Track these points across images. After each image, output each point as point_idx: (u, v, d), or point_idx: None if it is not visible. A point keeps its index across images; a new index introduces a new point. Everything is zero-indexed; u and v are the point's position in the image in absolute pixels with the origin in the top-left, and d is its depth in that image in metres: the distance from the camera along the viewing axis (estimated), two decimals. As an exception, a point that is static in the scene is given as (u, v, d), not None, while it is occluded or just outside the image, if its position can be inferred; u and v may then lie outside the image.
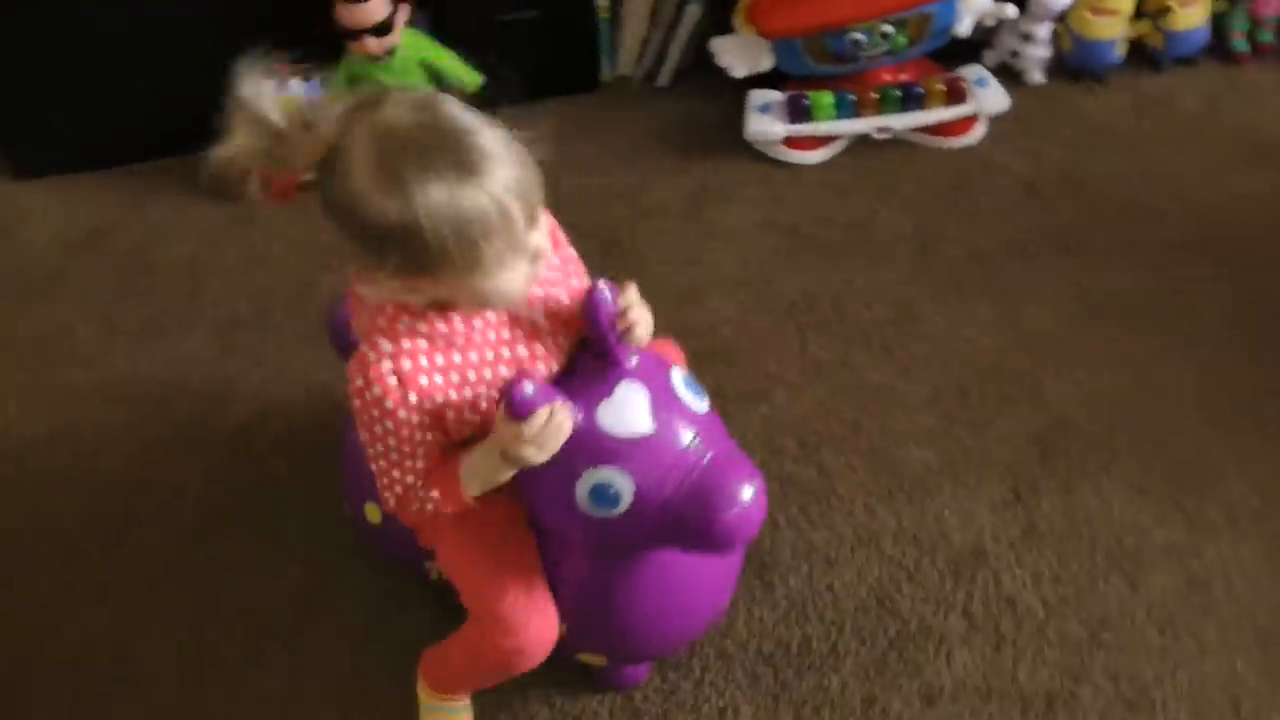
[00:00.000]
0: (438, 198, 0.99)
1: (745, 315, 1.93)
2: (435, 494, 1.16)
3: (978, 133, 2.13)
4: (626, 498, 1.10)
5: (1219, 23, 2.24)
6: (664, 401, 1.12)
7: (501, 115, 1.09)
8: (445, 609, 1.43)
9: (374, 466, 1.17)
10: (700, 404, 1.16)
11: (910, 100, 2.06)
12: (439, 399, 1.11)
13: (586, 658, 1.38)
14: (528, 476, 1.13)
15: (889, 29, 2.00)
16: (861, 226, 2.04)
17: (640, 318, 1.14)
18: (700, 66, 2.27)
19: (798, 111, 2.05)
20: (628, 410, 1.10)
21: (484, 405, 1.14)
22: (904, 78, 2.09)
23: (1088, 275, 1.97)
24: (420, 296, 1.09)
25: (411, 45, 1.95)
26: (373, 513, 1.41)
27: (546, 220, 1.12)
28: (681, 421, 1.13)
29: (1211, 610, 1.61)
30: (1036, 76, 2.22)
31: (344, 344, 1.41)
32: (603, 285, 1.10)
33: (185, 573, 1.64)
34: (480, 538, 1.26)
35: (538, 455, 1.07)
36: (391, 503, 1.19)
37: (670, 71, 2.27)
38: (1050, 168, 2.12)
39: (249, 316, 1.94)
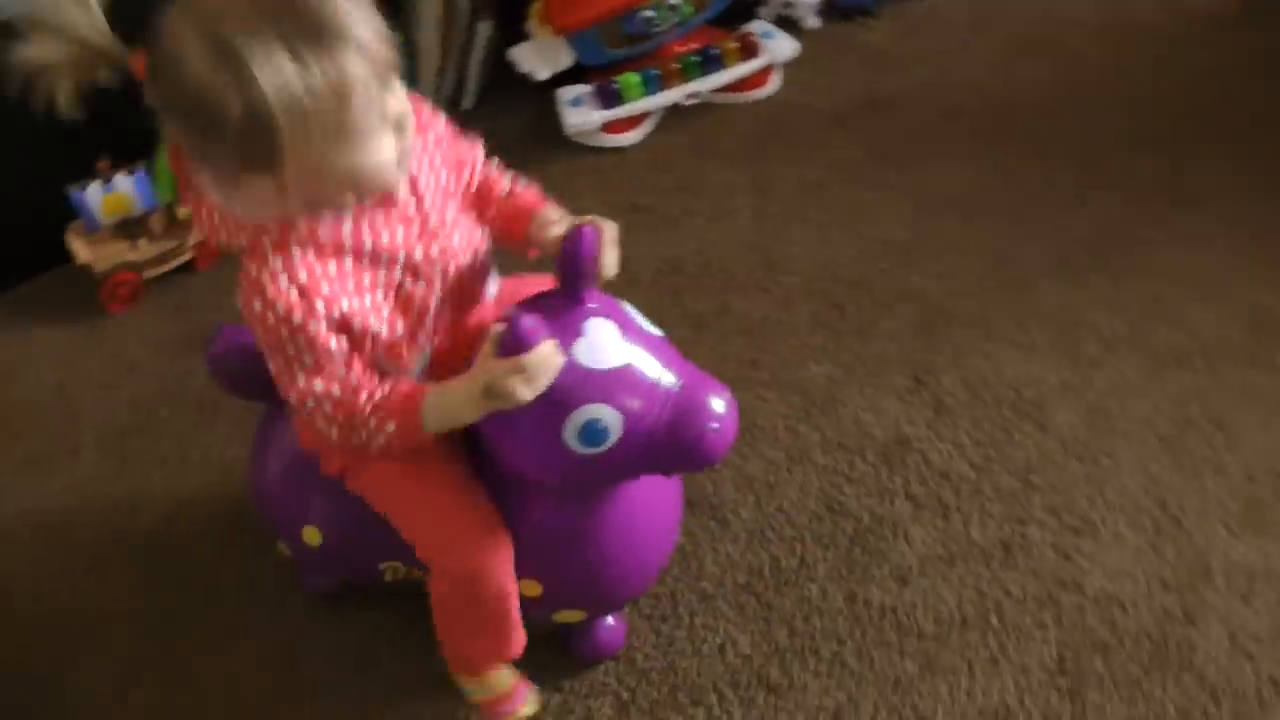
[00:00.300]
0: (284, 70, 0.94)
1: (616, 293, 1.99)
2: (393, 426, 1.13)
3: (775, 82, 2.26)
4: (615, 431, 1.14)
5: None
6: (631, 333, 1.17)
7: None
8: (413, 609, 1.43)
9: (295, 394, 1.11)
10: (656, 330, 1.21)
11: (709, 63, 2.17)
12: (345, 305, 1.08)
13: (565, 616, 1.40)
14: (505, 423, 1.13)
15: (676, 1, 2.11)
16: (697, 188, 2.13)
17: (612, 258, 1.16)
18: (501, 81, 2.33)
19: (609, 97, 2.14)
20: (601, 345, 1.14)
21: (385, 312, 1.12)
22: (695, 46, 2.20)
23: (914, 180, 2.12)
24: (292, 199, 1.02)
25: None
26: (311, 535, 1.39)
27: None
28: (649, 349, 1.17)
29: (1115, 429, 1.76)
30: (812, 22, 2.37)
31: (228, 372, 1.39)
32: (588, 229, 1.13)
33: (144, 694, 1.56)
34: (408, 467, 1.23)
35: (528, 392, 1.07)
36: (332, 431, 1.13)
37: (474, 93, 2.32)
38: (851, 97, 2.26)
39: (134, 423, 1.89)
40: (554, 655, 1.52)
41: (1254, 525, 1.65)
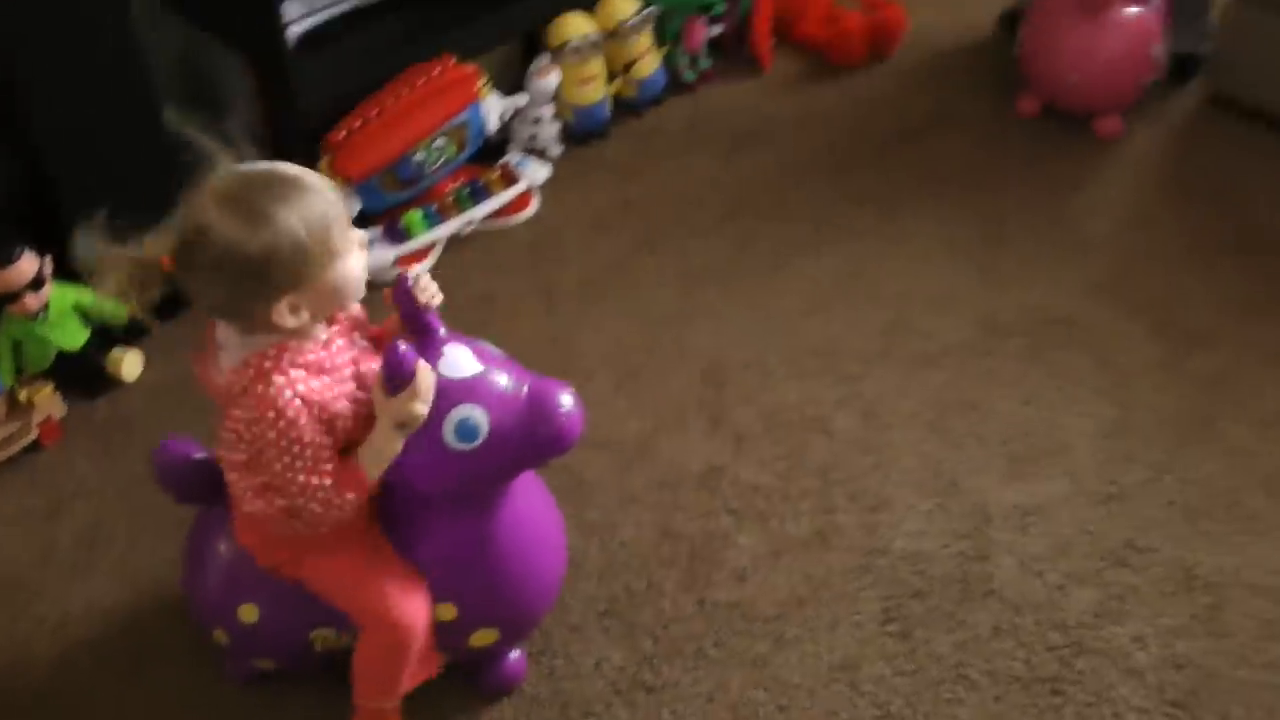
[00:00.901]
0: (289, 213, 1.28)
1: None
2: (350, 495, 1.37)
3: (535, 203, 2.54)
4: (484, 426, 1.37)
5: (670, 63, 2.80)
6: (480, 351, 1.43)
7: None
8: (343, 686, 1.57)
9: (292, 488, 1.34)
10: (499, 350, 1.47)
11: (478, 194, 2.44)
12: (331, 410, 1.35)
13: (481, 638, 1.57)
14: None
15: (441, 142, 2.37)
16: (490, 299, 2.36)
17: (431, 288, 1.43)
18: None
19: (396, 235, 2.36)
20: (459, 361, 1.39)
21: (349, 414, 1.38)
22: (463, 180, 2.46)
23: (675, 260, 2.41)
24: (300, 314, 1.32)
25: (58, 294, 2.04)
26: (248, 613, 1.53)
27: None
28: (497, 362, 1.43)
29: (889, 425, 2.08)
30: (556, 149, 2.67)
31: (173, 479, 1.56)
32: (402, 276, 1.40)
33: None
34: (339, 547, 1.46)
35: (423, 408, 1.33)
36: (317, 509, 1.36)
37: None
38: (606, 204, 2.55)
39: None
40: (455, 698, 1.68)
41: (1016, 475, 1.97)
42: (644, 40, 2.72)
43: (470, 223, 2.43)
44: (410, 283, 1.41)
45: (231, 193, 1.28)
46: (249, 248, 1.26)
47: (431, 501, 1.45)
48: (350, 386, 1.39)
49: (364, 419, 1.38)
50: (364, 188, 2.34)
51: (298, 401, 1.32)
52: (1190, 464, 1.99)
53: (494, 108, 2.44)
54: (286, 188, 1.29)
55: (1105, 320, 2.27)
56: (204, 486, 1.53)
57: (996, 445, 2.02)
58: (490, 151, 2.54)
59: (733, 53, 2.96)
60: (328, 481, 1.35)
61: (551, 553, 1.61)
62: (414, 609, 1.47)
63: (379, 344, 1.48)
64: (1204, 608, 1.78)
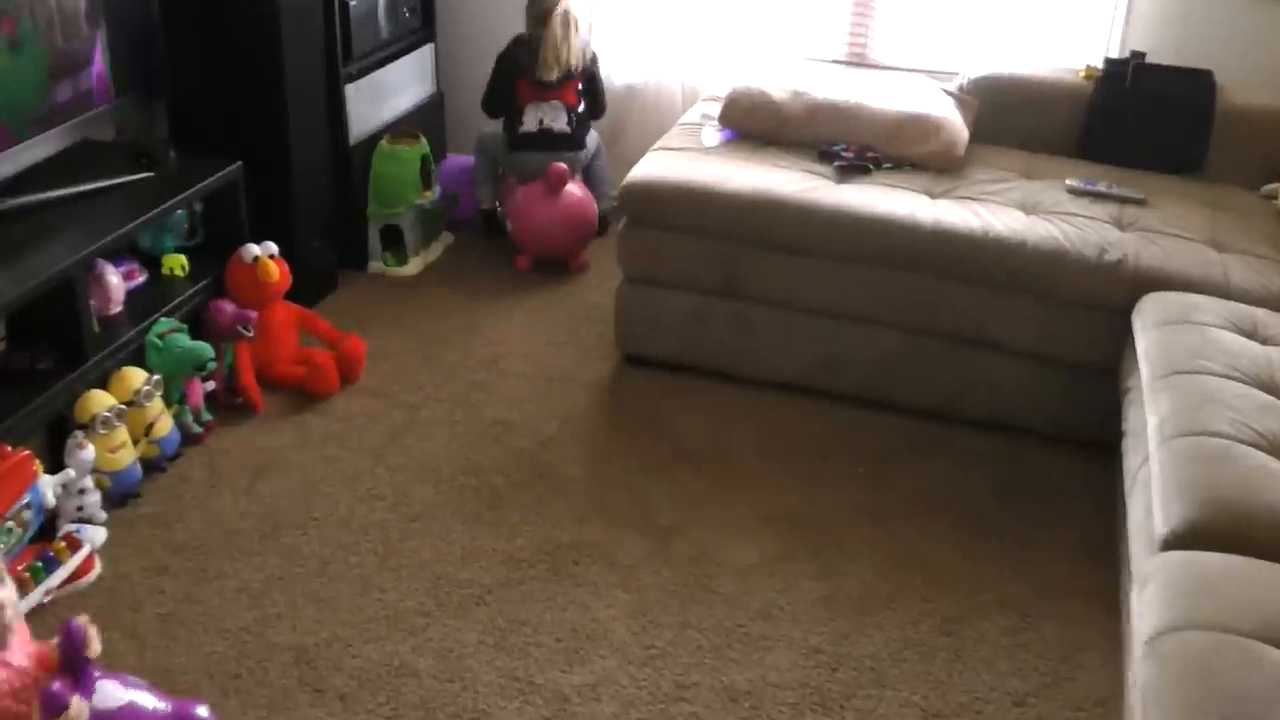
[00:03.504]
0: None
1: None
2: None
3: (97, 567, 2.76)
4: None
5: (179, 420, 3.23)
6: (129, 684, 1.96)
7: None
8: None
9: None
10: (141, 680, 2.02)
11: (50, 564, 2.71)
12: None
13: None
14: None
15: (9, 526, 2.58)
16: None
17: (96, 639, 1.84)
18: None
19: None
20: (111, 693, 1.86)
21: None
22: (32, 556, 2.65)
23: (234, 579, 2.72)
24: None
25: None
26: None
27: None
28: (144, 691, 1.98)
29: (465, 655, 2.46)
30: (101, 516, 2.93)
31: None
32: (75, 624, 1.84)
33: None
34: None
35: None
36: None
37: None
38: (157, 552, 2.86)
39: None
40: None
41: (576, 661, 2.58)
42: (157, 404, 3.17)
43: (49, 591, 2.63)
44: (81, 633, 1.79)
45: None
46: None
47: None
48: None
49: None
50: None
51: None
52: (701, 614, 2.76)
53: (48, 485, 2.70)
54: None
55: (599, 536, 3.01)
56: None
57: (552, 645, 2.59)
58: (46, 529, 2.83)
59: (225, 402, 3.47)
60: None
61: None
62: None
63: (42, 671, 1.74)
64: (749, 710, 2.46)
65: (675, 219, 3.52)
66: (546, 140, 4.29)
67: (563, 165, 4.20)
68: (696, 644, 2.64)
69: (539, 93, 4.26)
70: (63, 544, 2.77)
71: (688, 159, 3.68)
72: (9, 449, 2.71)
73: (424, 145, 4.24)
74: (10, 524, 2.63)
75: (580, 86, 4.33)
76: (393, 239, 4.28)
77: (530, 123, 4.27)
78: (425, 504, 3.09)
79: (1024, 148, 3.92)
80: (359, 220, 4.22)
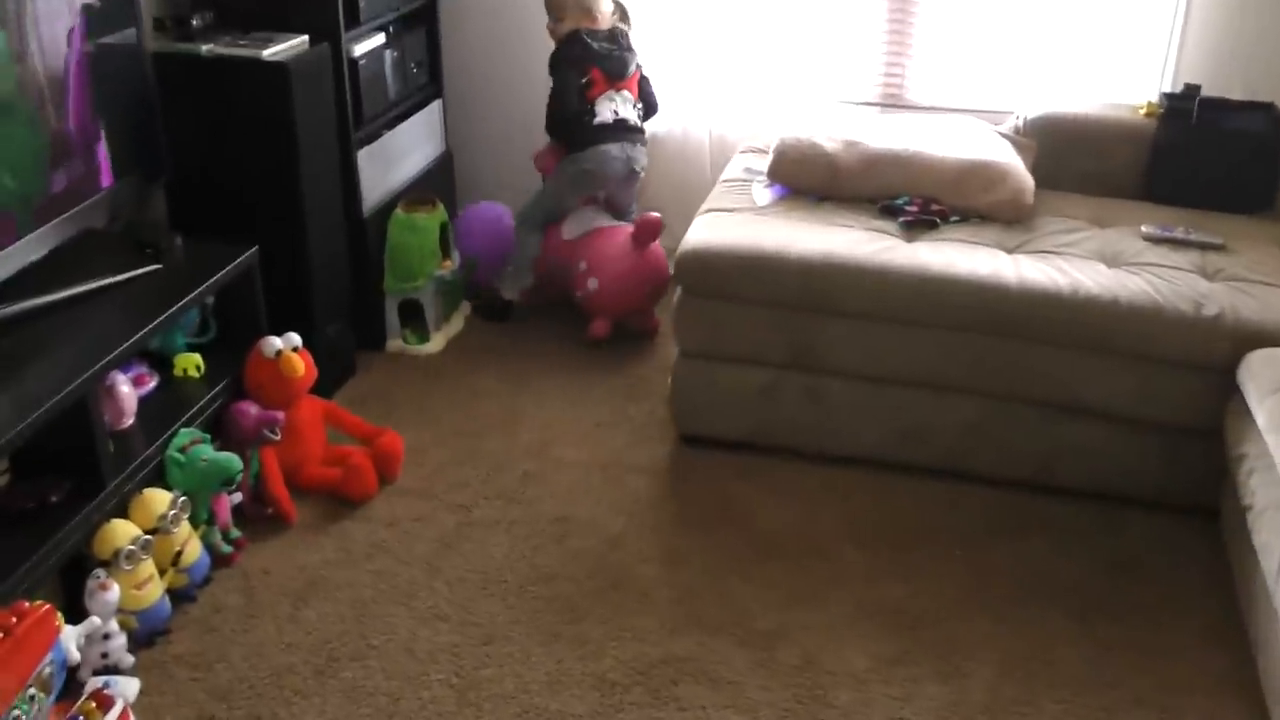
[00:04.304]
0: None
1: None
2: None
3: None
4: None
5: (207, 542, 2.86)
6: None
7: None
8: None
9: None
10: None
11: None
12: None
13: None
14: None
15: (32, 693, 2.23)
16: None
17: None
18: None
19: None
20: None
21: None
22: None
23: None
24: None
25: None
26: None
27: None
28: None
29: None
30: (128, 662, 2.58)
31: None
32: None
33: None
34: None
35: None
36: None
37: None
38: (198, 698, 2.50)
39: None
40: None
41: None
42: (185, 528, 2.82)
43: None
44: None
45: None
46: None
47: None
48: None
49: None
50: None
51: None
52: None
53: (70, 638, 2.38)
54: None
55: (694, 649, 2.71)
56: None
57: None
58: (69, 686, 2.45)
59: (253, 515, 3.10)
60: None
61: None
62: None
63: None
64: None
65: (739, 289, 3.23)
66: (624, 130, 4.03)
67: (656, 215, 3.94)
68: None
69: (611, 81, 4.00)
70: (92, 704, 2.40)
71: (742, 221, 3.40)
72: (26, 605, 2.33)
73: (441, 211, 3.92)
74: (33, 690, 2.27)
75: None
76: (411, 313, 3.95)
77: (604, 113, 4.00)
78: (495, 622, 2.77)
79: (1083, 190, 3.70)
80: (376, 296, 3.89)
